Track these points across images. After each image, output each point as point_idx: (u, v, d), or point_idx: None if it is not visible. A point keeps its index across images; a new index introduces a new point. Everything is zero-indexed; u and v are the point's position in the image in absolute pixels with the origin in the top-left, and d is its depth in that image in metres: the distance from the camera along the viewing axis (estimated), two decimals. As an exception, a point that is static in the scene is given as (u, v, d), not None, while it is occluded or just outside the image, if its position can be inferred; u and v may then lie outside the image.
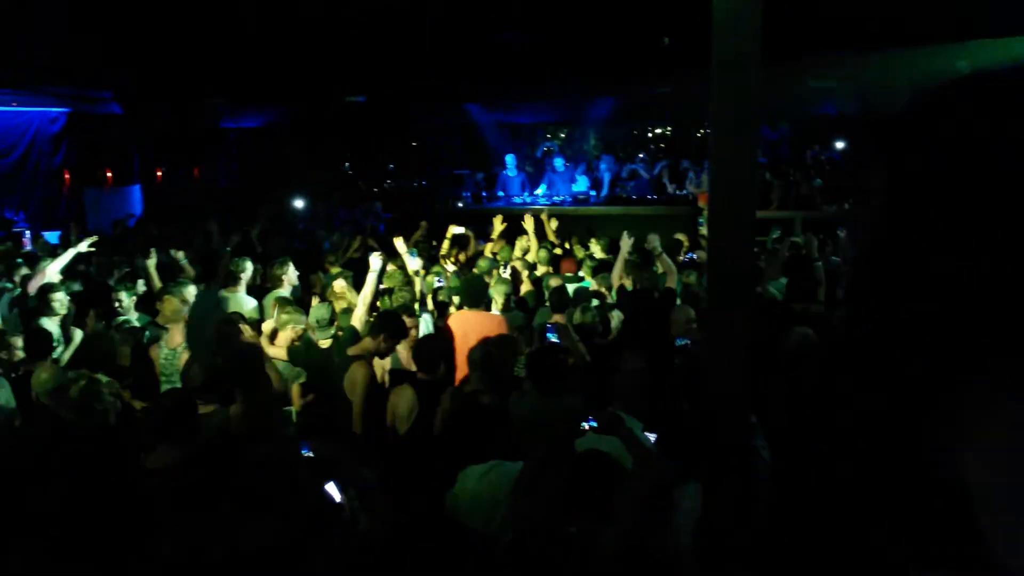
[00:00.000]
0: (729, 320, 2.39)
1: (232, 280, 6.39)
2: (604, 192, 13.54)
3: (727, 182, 2.38)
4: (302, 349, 5.09)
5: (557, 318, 5.40)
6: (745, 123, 2.42)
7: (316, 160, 16.18)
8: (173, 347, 5.21)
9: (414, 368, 4.70)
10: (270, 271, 6.85)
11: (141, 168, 14.58)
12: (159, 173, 15.27)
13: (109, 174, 14.14)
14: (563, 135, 17.20)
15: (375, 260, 5.33)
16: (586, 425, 3.27)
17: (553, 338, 4.84)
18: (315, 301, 6.33)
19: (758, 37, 2.36)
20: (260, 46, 8.31)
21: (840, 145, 14.14)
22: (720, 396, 2.54)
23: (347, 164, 18.31)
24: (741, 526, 2.63)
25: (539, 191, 13.59)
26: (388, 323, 4.69)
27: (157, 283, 6.56)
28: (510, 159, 13.86)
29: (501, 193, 13.60)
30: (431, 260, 7.91)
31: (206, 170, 16.03)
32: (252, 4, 6.33)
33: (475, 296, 5.72)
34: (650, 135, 17.29)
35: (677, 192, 13.04)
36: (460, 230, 8.33)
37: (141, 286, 6.63)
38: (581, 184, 13.56)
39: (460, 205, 13.44)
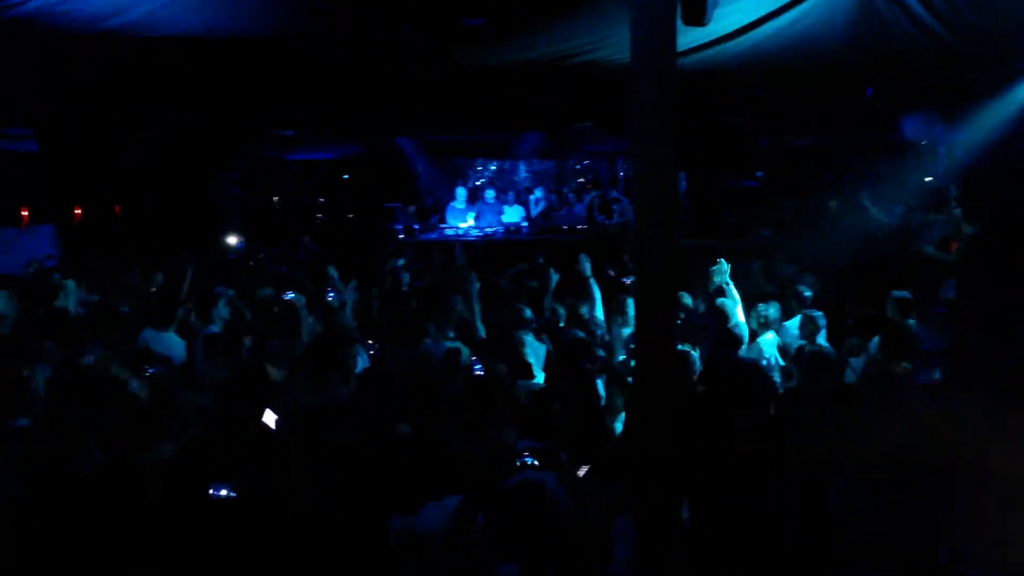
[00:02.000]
0: (657, 344, 2.48)
1: (162, 320, 6.25)
2: (535, 222, 13.77)
3: (650, 210, 2.48)
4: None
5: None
6: (665, 157, 2.53)
7: (244, 195, 15.95)
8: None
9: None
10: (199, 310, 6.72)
11: (58, 206, 14.07)
12: (77, 211, 14.79)
13: (25, 213, 13.63)
14: (493, 167, 17.42)
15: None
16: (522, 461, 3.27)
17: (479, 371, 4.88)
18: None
19: (672, 86, 2.49)
20: (183, 80, 8.20)
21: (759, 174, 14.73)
22: (650, 422, 2.62)
23: (276, 199, 18.11)
24: (677, 553, 2.69)
25: (469, 222, 13.72)
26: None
27: None
28: (460, 192, 13.98)
29: (444, 224, 13.67)
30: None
31: (127, 208, 15.59)
32: (173, 42, 6.26)
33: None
34: (579, 167, 17.64)
35: (606, 222, 13.33)
36: None
37: None
38: (513, 215, 13.80)
39: (402, 237, 13.44)
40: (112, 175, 13.94)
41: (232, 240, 13.65)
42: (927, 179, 6.74)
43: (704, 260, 9.99)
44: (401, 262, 8.48)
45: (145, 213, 14.64)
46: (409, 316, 6.15)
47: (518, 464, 3.17)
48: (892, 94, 9.42)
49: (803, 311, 6.48)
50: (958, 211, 8.74)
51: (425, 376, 4.85)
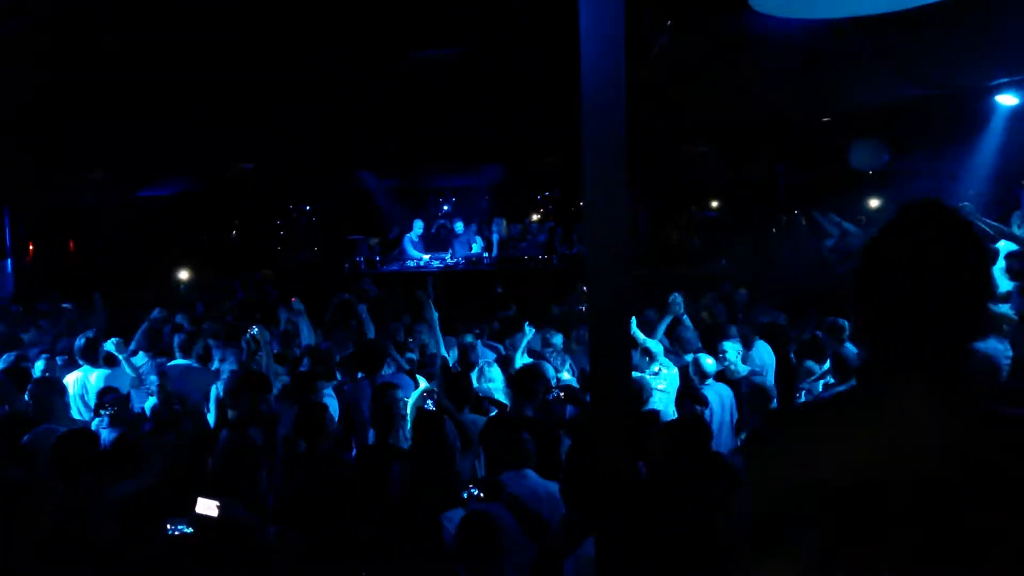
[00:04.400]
0: (610, 373, 2.49)
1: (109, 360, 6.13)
2: (495, 253, 13.81)
3: (600, 235, 2.50)
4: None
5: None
6: (616, 184, 2.56)
7: (202, 231, 15.78)
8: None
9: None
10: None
11: (12, 243, 13.80)
12: (31, 248, 14.51)
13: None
14: (454, 199, 17.46)
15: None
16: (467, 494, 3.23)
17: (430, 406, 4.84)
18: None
19: (622, 119, 2.54)
20: (141, 114, 8.15)
21: (714, 204, 15.00)
22: (605, 450, 2.62)
23: (234, 233, 17.92)
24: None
25: (427, 255, 13.73)
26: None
27: None
28: (418, 224, 13.99)
29: (405, 256, 13.66)
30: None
31: (81, 245, 15.36)
32: (136, 72, 6.24)
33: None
34: (540, 198, 17.75)
35: (568, 252, 13.43)
36: None
37: None
38: (475, 246, 13.86)
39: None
40: (66, 212, 13.72)
41: (183, 275, 13.46)
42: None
43: (662, 288, 10.13)
44: (346, 296, 8.43)
45: (99, 249, 14.42)
46: (365, 348, 6.10)
47: (464, 496, 3.14)
48: (843, 124, 9.69)
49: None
50: None
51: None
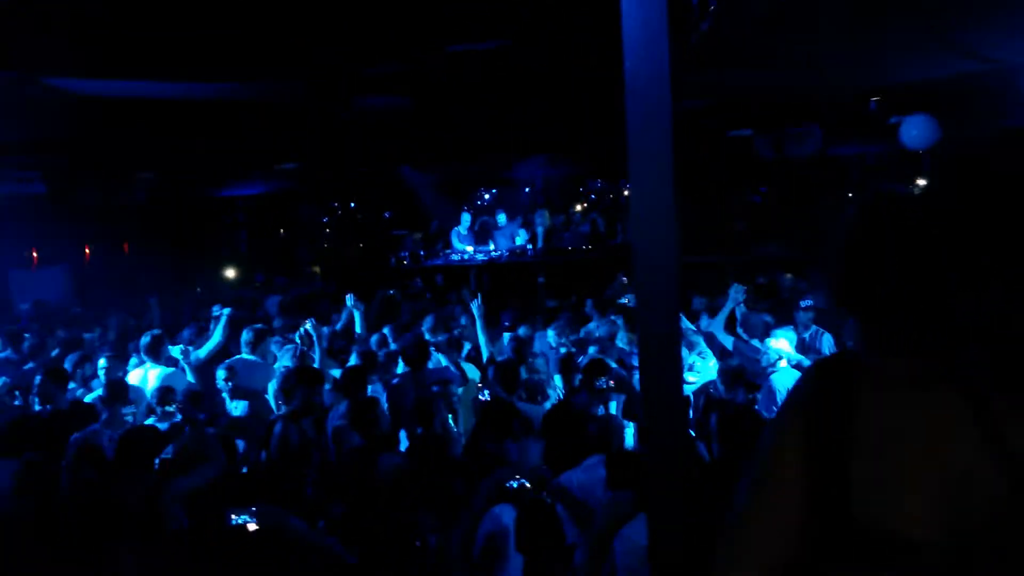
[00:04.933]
0: (659, 359, 2.47)
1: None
2: (540, 245, 13.76)
3: (648, 226, 2.48)
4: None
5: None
6: (664, 169, 2.53)
7: (251, 229, 16.06)
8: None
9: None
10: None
11: (69, 247, 14.21)
12: (87, 251, 14.91)
13: (35, 254, 13.77)
14: (495, 191, 17.46)
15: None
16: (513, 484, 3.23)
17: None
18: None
19: (667, 90, 2.51)
20: (187, 116, 8.30)
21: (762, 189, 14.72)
22: (657, 439, 2.60)
23: (282, 231, 18.22)
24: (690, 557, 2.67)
25: (472, 247, 13.77)
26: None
27: None
28: (465, 217, 14.05)
29: (450, 250, 13.73)
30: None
31: (135, 246, 15.73)
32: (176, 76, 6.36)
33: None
34: (581, 189, 17.66)
35: (613, 242, 13.32)
36: None
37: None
38: (519, 238, 13.81)
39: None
40: (117, 214, 14.06)
41: (231, 272, 13.72)
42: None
43: (710, 276, 10.01)
44: (391, 291, 8.52)
45: (153, 250, 14.76)
46: (415, 341, 6.16)
47: (510, 487, 3.13)
48: (894, 103, 9.43)
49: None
50: None
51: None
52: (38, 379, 5.70)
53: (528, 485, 2.98)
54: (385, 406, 5.44)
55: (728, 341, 6.32)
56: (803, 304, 7.00)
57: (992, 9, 5.40)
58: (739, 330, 6.51)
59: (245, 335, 6.38)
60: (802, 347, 6.45)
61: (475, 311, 6.77)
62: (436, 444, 4.11)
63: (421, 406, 4.74)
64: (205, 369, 6.35)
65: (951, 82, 8.02)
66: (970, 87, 8.16)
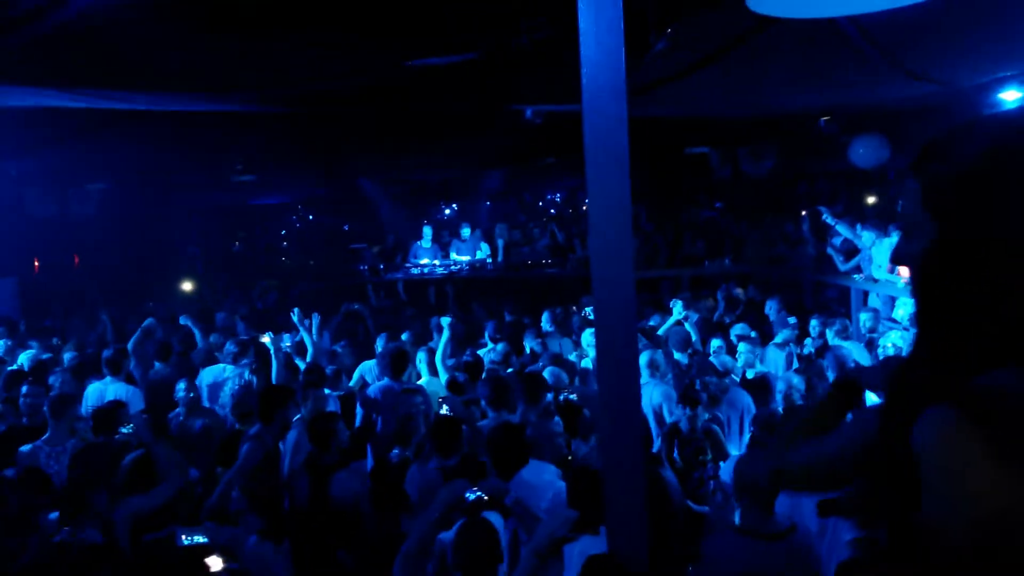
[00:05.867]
0: (616, 368, 2.50)
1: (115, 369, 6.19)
2: (500, 259, 13.80)
3: (605, 243, 2.51)
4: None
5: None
6: (620, 184, 2.57)
7: (206, 241, 15.81)
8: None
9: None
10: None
11: (17, 259, 13.82)
12: (36, 263, 14.52)
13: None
14: (455, 206, 17.50)
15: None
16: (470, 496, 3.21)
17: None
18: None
19: (624, 106, 2.54)
20: (143, 127, 8.16)
21: (717, 205, 14.98)
22: (616, 448, 2.62)
23: (237, 244, 17.99)
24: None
25: (435, 260, 13.74)
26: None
27: None
28: (427, 230, 14.03)
29: (409, 263, 13.68)
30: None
31: (86, 258, 15.37)
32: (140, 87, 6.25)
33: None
34: (540, 204, 17.79)
35: (574, 256, 13.37)
36: None
37: None
38: (480, 252, 13.85)
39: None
40: (66, 225, 13.73)
41: (188, 286, 13.48)
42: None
43: (668, 290, 10.11)
44: (356, 306, 8.46)
45: (103, 262, 14.44)
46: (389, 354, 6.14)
47: (467, 498, 3.12)
48: (843, 122, 9.67)
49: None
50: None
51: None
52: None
53: (485, 498, 2.96)
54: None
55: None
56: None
57: (942, 32, 5.57)
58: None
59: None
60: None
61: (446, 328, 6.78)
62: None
63: (404, 424, 4.72)
64: (160, 386, 6.25)
65: (902, 103, 8.25)
66: (921, 108, 8.41)
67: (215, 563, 2.56)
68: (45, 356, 7.41)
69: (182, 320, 8.09)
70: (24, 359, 7.14)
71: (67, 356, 7.41)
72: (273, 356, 6.16)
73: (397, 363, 5.96)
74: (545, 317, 8.29)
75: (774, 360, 6.63)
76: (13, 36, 4.18)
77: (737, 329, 7.30)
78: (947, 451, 0.94)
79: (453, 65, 5.49)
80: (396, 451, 4.64)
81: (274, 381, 5.85)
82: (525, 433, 4.16)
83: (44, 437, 4.87)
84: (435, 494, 2.91)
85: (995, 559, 0.89)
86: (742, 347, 6.33)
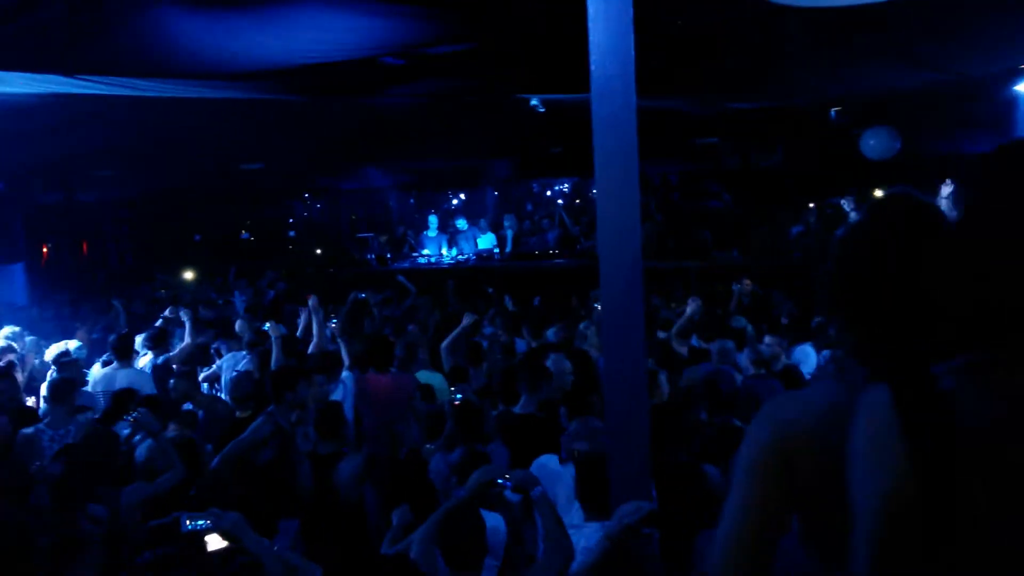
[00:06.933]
0: (623, 364, 2.48)
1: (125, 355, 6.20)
2: (508, 249, 13.79)
3: (614, 232, 2.49)
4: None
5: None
6: (629, 175, 2.55)
7: (213, 229, 15.84)
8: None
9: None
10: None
11: (27, 245, 13.87)
12: (44, 250, 14.57)
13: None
14: (463, 196, 17.44)
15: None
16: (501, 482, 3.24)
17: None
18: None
19: (632, 94, 2.52)
20: (151, 116, 8.16)
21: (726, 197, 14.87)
22: (619, 440, 2.61)
23: (245, 232, 17.98)
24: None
25: (443, 251, 13.74)
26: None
27: None
28: (433, 220, 14.00)
29: (417, 253, 13.68)
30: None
31: (94, 245, 15.43)
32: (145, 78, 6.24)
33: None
34: (549, 193, 17.70)
35: (581, 247, 13.33)
36: None
37: None
38: (486, 242, 13.82)
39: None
40: (73, 212, 13.77)
41: (189, 275, 13.51)
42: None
43: (676, 281, 10.07)
44: (363, 295, 8.44)
45: (110, 249, 14.51)
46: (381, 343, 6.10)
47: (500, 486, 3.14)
48: (853, 113, 9.60)
49: None
50: None
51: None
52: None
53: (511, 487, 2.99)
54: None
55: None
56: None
57: (952, 22, 5.51)
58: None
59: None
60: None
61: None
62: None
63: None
64: (167, 373, 6.27)
65: (912, 94, 8.19)
66: (931, 98, 8.34)
67: (215, 542, 2.57)
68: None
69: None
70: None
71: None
72: (274, 343, 6.15)
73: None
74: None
75: (803, 353, 6.56)
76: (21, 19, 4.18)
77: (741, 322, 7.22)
78: (874, 424, 1.04)
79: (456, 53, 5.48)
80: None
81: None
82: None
83: (45, 420, 4.89)
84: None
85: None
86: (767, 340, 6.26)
